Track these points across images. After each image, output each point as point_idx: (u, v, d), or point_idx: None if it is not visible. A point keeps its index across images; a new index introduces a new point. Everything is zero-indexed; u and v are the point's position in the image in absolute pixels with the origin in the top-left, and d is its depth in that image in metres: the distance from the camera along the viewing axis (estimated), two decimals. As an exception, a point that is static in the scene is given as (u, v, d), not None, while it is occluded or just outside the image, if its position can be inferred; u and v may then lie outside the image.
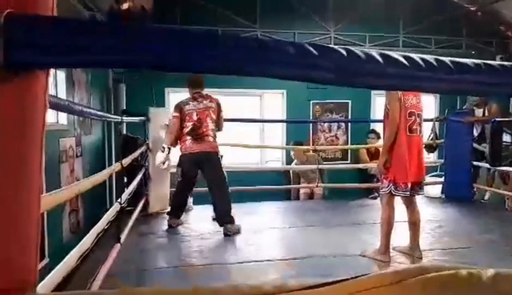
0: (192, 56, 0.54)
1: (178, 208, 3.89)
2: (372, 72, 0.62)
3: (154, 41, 0.54)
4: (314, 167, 5.41)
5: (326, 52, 0.59)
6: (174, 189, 4.08)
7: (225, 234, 3.53)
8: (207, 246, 3.26)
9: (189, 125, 3.74)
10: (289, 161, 5.98)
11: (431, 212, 4.60)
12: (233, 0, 5.77)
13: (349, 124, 6.54)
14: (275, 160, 6.61)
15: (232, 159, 6.03)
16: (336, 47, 0.61)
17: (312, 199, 5.52)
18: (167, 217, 3.88)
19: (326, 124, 6.48)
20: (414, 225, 3.07)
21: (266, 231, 3.84)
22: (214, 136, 3.78)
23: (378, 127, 6.13)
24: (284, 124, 6.34)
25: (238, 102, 6.30)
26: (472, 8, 6.47)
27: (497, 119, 4.62)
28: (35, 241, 0.58)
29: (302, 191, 5.58)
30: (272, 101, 6.48)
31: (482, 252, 3.17)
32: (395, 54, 0.62)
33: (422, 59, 0.62)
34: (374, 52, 0.62)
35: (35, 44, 0.51)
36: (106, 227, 2.67)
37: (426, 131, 5.66)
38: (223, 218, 3.62)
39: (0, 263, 0.54)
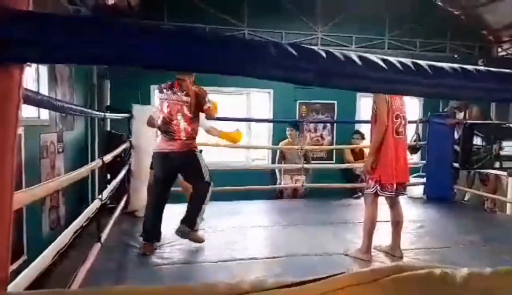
0: (174, 54, 0.54)
1: (151, 229, 3.19)
2: (351, 74, 0.62)
3: (126, 37, 0.53)
4: (299, 166, 5.45)
5: (307, 53, 0.59)
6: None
7: (177, 233, 3.14)
8: (189, 244, 3.24)
9: (160, 116, 3.22)
10: (274, 158, 6.00)
11: (413, 212, 4.68)
12: (220, -1, 5.75)
13: (335, 124, 6.59)
14: (261, 159, 6.62)
15: (218, 158, 6.02)
16: (316, 48, 0.61)
17: (295, 194, 5.56)
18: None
19: (312, 125, 6.52)
20: (397, 225, 3.14)
21: (249, 229, 3.85)
22: (189, 136, 3.17)
23: (363, 128, 6.21)
24: (271, 123, 6.35)
25: (225, 101, 6.29)
26: (456, 12, 6.60)
27: (469, 122, 4.73)
28: (6, 238, 0.57)
29: (284, 182, 5.61)
30: (259, 101, 6.49)
31: (461, 252, 3.25)
32: (374, 57, 0.63)
33: (400, 63, 0.63)
34: (353, 55, 0.63)
35: (7, 38, 0.49)
36: (86, 224, 2.63)
37: (410, 133, 5.77)
38: (187, 216, 3.15)
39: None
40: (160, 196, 3.26)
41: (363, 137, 6.04)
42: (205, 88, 3.33)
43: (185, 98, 3.14)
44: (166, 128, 3.17)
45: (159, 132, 3.33)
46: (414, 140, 5.40)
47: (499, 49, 7.02)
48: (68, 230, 2.12)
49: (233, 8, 5.87)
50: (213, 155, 5.96)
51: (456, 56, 6.69)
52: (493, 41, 6.94)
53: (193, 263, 2.96)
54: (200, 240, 3.21)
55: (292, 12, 6.00)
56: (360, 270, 0.74)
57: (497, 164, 4.48)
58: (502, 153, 4.46)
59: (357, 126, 6.23)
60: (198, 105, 3.18)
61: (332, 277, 0.70)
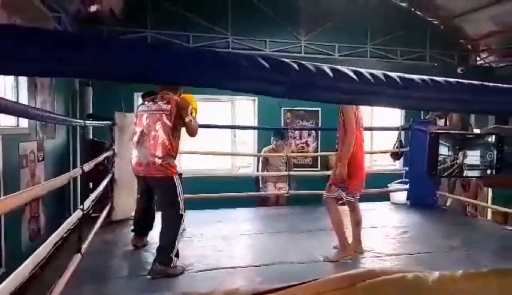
0: (148, 67, 0.54)
1: (140, 224, 3.38)
2: (322, 87, 0.63)
3: (105, 51, 0.53)
4: (284, 173, 5.47)
5: (279, 65, 0.60)
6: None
7: (150, 274, 2.76)
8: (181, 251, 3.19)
9: (137, 131, 2.96)
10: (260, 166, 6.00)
11: (397, 218, 4.74)
12: (205, 7, 5.77)
13: (319, 131, 6.65)
14: (246, 166, 6.62)
15: (203, 165, 6.00)
16: (288, 61, 0.62)
17: (278, 201, 5.57)
18: (131, 226, 3.52)
19: (297, 132, 6.56)
20: (357, 224, 3.33)
21: (235, 237, 3.83)
22: (167, 154, 2.84)
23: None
24: (256, 130, 6.36)
25: (209, 108, 6.28)
26: (435, 22, 6.79)
27: (434, 131, 4.84)
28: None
29: (267, 189, 5.62)
30: (244, 108, 6.50)
31: (443, 257, 3.30)
32: (345, 69, 0.64)
33: (371, 74, 0.65)
34: (325, 67, 0.64)
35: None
36: (67, 234, 2.58)
37: (392, 139, 5.87)
38: (159, 252, 2.82)
39: None
40: (144, 204, 3.32)
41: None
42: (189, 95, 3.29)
43: (165, 106, 2.90)
44: (142, 143, 2.89)
45: (133, 148, 3.00)
46: (397, 147, 5.49)
47: (477, 58, 7.23)
48: (47, 242, 2.07)
49: (217, 16, 5.90)
50: (199, 162, 5.94)
51: (435, 64, 6.86)
52: (471, 50, 7.14)
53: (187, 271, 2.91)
54: (178, 274, 2.81)
55: (276, 20, 6.07)
56: (334, 276, 0.75)
57: (465, 173, 4.62)
58: (466, 161, 4.59)
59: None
60: (179, 116, 2.90)
61: (309, 282, 0.71)
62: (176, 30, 5.74)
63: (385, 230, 4.15)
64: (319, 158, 6.55)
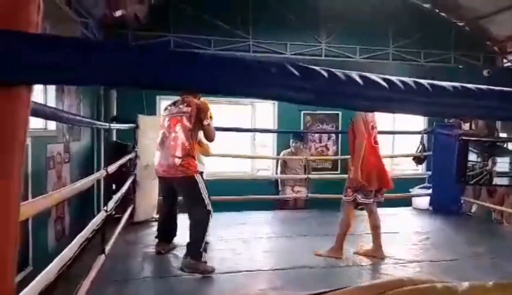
0: (175, 75, 0.55)
1: (164, 230, 3.39)
2: (352, 94, 0.63)
3: (135, 60, 0.54)
4: (303, 176, 5.45)
5: (308, 73, 0.60)
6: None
7: (181, 269, 2.87)
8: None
9: (160, 134, 3.11)
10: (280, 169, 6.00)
11: (419, 224, 4.65)
12: (226, 11, 5.82)
13: (339, 135, 6.59)
14: (266, 169, 6.62)
15: (223, 168, 6.03)
16: (317, 68, 0.62)
17: (296, 204, 5.56)
18: (152, 227, 3.70)
19: (316, 135, 6.52)
20: (375, 228, 3.34)
21: (254, 240, 3.83)
22: (186, 154, 2.92)
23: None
24: (275, 133, 6.36)
25: (230, 111, 6.32)
26: (460, 24, 6.63)
27: (463, 138, 4.73)
28: (13, 251, 0.58)
29: (284, 192, 5.62)
30: (264, 111, 6.51)
31: (468, 265, 3.21)
32: (374, 76, 0.64)
33: (402, 81, 0.64)
34: (355, 74, 0.64)
35: (18, 61, 0.51)
36: (91, 236, 2.64)
37: (415, 143, 5.75)
38: (189, 248, 2.89)
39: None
40: (167, 208, 3.35)
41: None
42: (210, 98, 3.36)
43: (185, 109, 3.01)
44: (163, 145, 3.01)
45: (157, 151, 3.12)
46: (419, 151, 5.38)
47: (504, 60, 7.01)
48: (74, 243, 2.13)
49: (238, 20, 5.93)
50: (219, 164, 5.98)
51: (461, 66, 6.69)
52: (498, 52, 6.94)
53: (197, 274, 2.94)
54: (209, 271, 2.86)
55: (296, 23, 6.06)
56: (364, 285, 0.74)
57: (494, 181, 4.53)
58: (495, 168, 4.48)
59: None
60: (198, 119, 3.00)
61: (337, 291, 0.70)
62: (198, 34, 5.81)
63: (407, 236, 4.07)
64: (339, 161, 6.48)
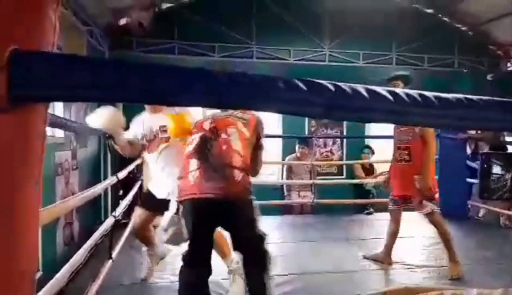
0: (186, 91, 0.57)
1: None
2: (358, 107, 0.65)
3: (150, 78, 0.57)
4: (309, 181, 5.45)
5: (315, 87, 0.62)
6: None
7: None
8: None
9: (195, 138, 2.11)
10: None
11: (427, 228, 4.61)
12: (229, 17, 5.87)
13: (344, 139, 6.59)
14: (270, 174, 6.63)
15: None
16: (324, 82, 0.64)
17: (302, 210, 5.56)
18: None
19: (321, 140, 6.53)
20: (393, 235, 3.34)
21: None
22: (244, 166, 2.07)
23: (372, 143, 6.19)
24: (280, 138, 6.37)
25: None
26: (463, 28, 6.62)
27: (486, 151, 4.71)
28: (34, 262, 0.60)
29: (290, 198, 5.61)
30: (269, 116, 6.52)
31: (477, 269, 3.19)
32: (381, 90, 0.66)
33: (407, 94, 0.66)
34: (361, 88, 0.65)
35: (36, 80, 0.53)
36: (100, 242, 2.67)
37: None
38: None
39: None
40: (202, 243, 2.07)
41: (373, 152, 6.02)
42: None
43: (240, 114, 2.20)
44: (204, 151, 2.03)
45: (191, 163, 2.06)
46: (425, 155, 5.35)
47: (508, 64, 6.99)
48: (83, 248, 2.16)
49: (241, 26, 5.97)
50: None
51: (465, 71, 6.68)
52: (502, 56, 6.92)
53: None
54: None
55: (299, 29, 6.09)
56: (371, 293, 0.75)
57: None
58: None
59: (367, 141, 6.23)
60: (257, 133, 2.23)
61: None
62: (202, 41, 5.86)
63: (415, 241, 4.05)
64: (344, 166, 6.48)
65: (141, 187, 4.31)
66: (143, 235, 2.89)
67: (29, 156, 0.58)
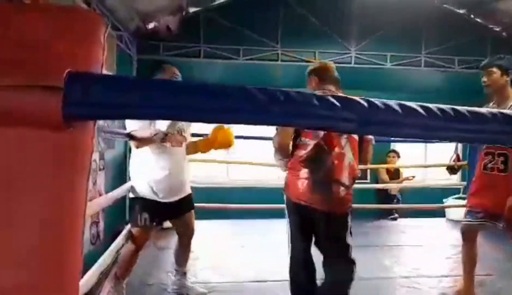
0: (227, 110, 0.60)
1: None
2: (391, 123, 0.65)
3: (197, 97, 0.59)
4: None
5: (349, 104, 0.63)
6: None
7: None
8: (222, 262, 3.27)
9: (308, 144, 2.06)
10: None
11: (453, 236, 4.49)
12: (255, 20, 5.90)
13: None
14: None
15: (246, 176, 6.08)
16: (357, 98, 0.65)
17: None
18: None
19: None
20: (473, 263, 2.84)
21: (282, 249, 3.82)
22: (353, 181, 2.14)
23: (398, 147, 6.08)
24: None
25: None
26: (496, 29, 6.40)
27: None
28: (79, 260, 0.64)
29: None
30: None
31: (504, 281, 3.09)
32: (413, 104, 0.66)
33: (440, 109, 0.65)
34: (393, 103, 0.65)
35: (89, 100, 0.57)
36: (126, 241, 2.74)
37: (448, 152, 5.58)
38: None
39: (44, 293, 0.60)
40: (303, 253, 2.21)
41: (398, 156, 5.91)
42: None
43: None
44: (321, 167, 2.03)
45: (303, 170, 2.08)
46: (453, 161, 5.21)
47: (545, 66, 6.69)
48: (110, 250, 2.23)
49: (267, 29, 6.00)
50: (243, 172, 6.03)
51: (497, 73, 6.45)
52: (538, 57, 6.64)
53: (225, 283, 2.98)
54: None
55: (325, 31, 6.05)
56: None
57: None
58: None
59: (392, 145, 6.12)
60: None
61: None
62: (227, 43, 5.92)
63: (440, 249, 3.95)
64: (368, 170, 6.38)
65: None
66: (132, 262, 2.45)
67: (79, 169, 0.62)
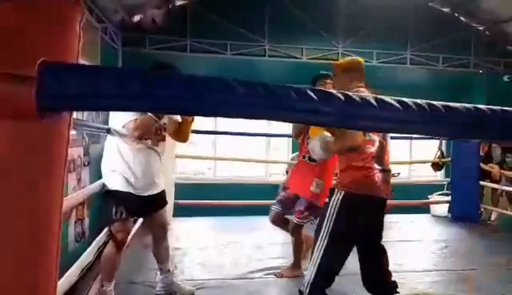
0: (206, 102, 0.59)
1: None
2: (368, 116, 0.66)
3: (173, 88, 0.58)
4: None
5: (326, 97, 0.63)
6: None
7: None
8: (209, 260, 3.26)
9: (375, 139, 2.07)
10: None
11: (437, 232, 4.59)
12: (242, 15, 5.88)
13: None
14: (279, 173, 6.63)
15: (236, 172, 6.08)
16: (334, 92, 0.65)
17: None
18: (170, 230, 3.11)
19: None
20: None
21: (270, 246, 3.84)
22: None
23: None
24: (290, 137, 6.37)
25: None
26: (480, 28, 6.52)
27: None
28: (56, 255, 0.64)
29: None
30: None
31: (487, 275, 3.15)
32: (389, 99, 0.66)
33: (415, 104, 0.66)
34: (370, 97, 0.66)
35: (64, 90, 0.56)
36: (107, 240, 2.69)
37: (432, 148, 5.68)
38: None
39: (21, 285, 0.59)
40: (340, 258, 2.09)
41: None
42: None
43: None
44: (379, 157, 2.10)
45: (375, 167, 2.09)
46: (438, 157, 5.31)
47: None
48: (92, 247, 2.21)
49: (254, 24, 5.98)
50: (233, 168, 6.03)
51: (481, 71, 6.58)
52: (519, 57, 6.79)
53: (212, 279, 2.97)
54: None
55: (312, 27, 6.07)
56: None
57: None
58: None
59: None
60: None
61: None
62: (214, 38, 5.89)
63: (425, 244, 4.02)
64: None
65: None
66: (115, 263, 2.41)
67: (54, 159, 0.61)
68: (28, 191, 0.57)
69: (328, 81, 2.82)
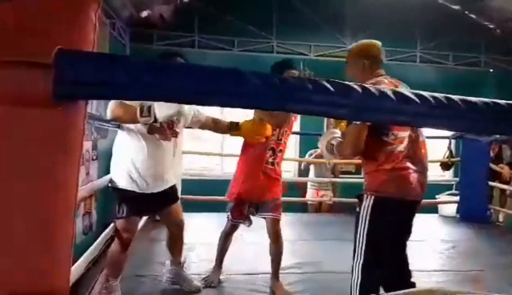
0: (219, 92, 0.59)
1: None
2: (385, 109, 0.65)
3: (188, 78, 0.58)
4: (326, 180, 5.42)
5: (343, 89, 0.62)
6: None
7: None
8: (213, 255, 3.26)
9: (403, 137, 1.87)
10: (302, 173, 5.98)
11: (445, 232, 4.55)
12: (250, 11, 5.87)
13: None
14: (287, 171, 6.61)
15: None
16: (352, 84, 0.64)
17: (320, 208, 5.53)
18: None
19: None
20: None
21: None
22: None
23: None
24: (298, 135, 6.34)
25: (250, 112, 6.34)
26: (490, 26, 6.43)
27: None
28: (70, 246, 0.64)
29: (309, 194, 5.58)
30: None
31: (495, 276, 3.12)
32: (407, 92, 0.65)
33: (433, 97, 0.65)
34: (388, 90, 0.65)
35: (79, 78, 0.56)
36: (114, 235, 2.70)
37: (441, 148, 5.62)
38: None
39: (35, 272, 0.59)
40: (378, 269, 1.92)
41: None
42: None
43: None
44: (413, 153, 1.89)
45: (406, 164, 1.88)
46: (447, 157, 5.26)
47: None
48: (99, 241, 2.22)
49: (262, 21, 5.97)
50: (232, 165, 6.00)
51: (491, 70, 6.50)
52: (531, 55, 6.70)
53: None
54: None
55: (320, 24, 6.04)
56: (393, 293, 0.75)
57: None
58: None
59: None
60: None
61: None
62: (222, 35, 5.88)
63: (433, 244, 3.99)
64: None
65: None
66: (121, 261, 2.35)
67: (70, 148, 0.61)
68: (45, 177, 0.57)
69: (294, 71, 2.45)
